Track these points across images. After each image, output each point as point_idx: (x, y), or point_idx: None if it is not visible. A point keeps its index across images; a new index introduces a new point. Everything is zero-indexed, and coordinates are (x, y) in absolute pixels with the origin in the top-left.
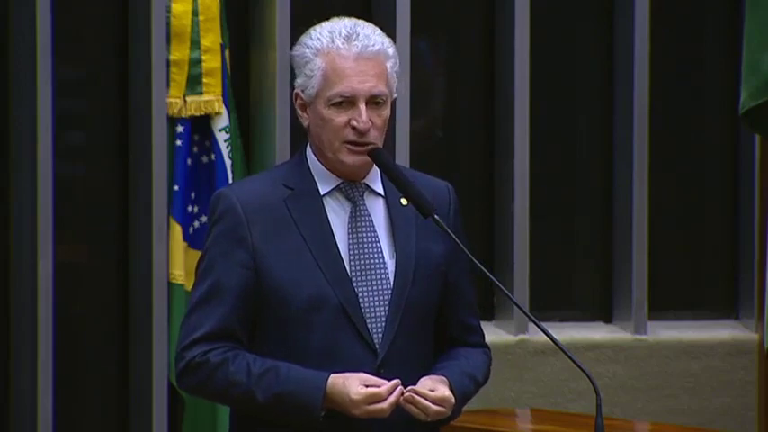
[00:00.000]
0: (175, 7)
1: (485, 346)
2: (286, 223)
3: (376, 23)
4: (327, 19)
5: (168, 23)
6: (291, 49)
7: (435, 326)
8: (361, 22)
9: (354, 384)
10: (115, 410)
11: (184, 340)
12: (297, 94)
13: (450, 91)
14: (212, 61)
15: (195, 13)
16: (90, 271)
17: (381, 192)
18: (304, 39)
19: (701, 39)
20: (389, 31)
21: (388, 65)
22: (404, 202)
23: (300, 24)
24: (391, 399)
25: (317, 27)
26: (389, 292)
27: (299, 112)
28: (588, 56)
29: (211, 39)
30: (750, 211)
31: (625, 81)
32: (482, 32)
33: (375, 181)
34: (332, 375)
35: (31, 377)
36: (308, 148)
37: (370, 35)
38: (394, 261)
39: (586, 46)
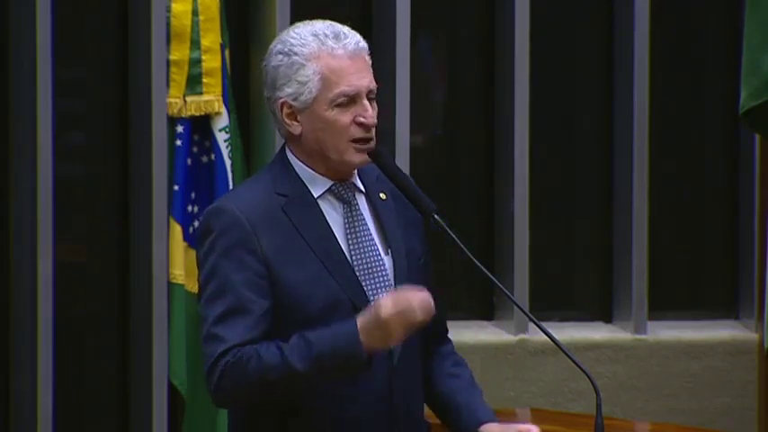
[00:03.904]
0: (175, 7)
1: (451, 343)
2: (288, 230)
3: (376, 23)
4: (328, 19)
5: (168, 23)
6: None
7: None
8: (329, 21)
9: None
10: (115, 410)
11: (214, 354)
12: (284, 104)
13: (450, 91)
14: (212, 61)
15: (195, 13)
16: (90, 271)
17: (362, 188)
18: (285, 47)
19: (701, 39)
20: (389, 31)
21: (368, 59)
22: (383, 196)
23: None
24: (420, 298)
25: (293, 33)
26: (391, 289)
27: (287, 121)
28: (588, 55)
29: (211, 39)
30: (750, 211)
31: (625, 81)
32: (482, 32)
33: (356, 178)
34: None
35: (31, 377)
36: (289, 153)
37: (352, 32)
38: (390, 257)
39: (586, 46)
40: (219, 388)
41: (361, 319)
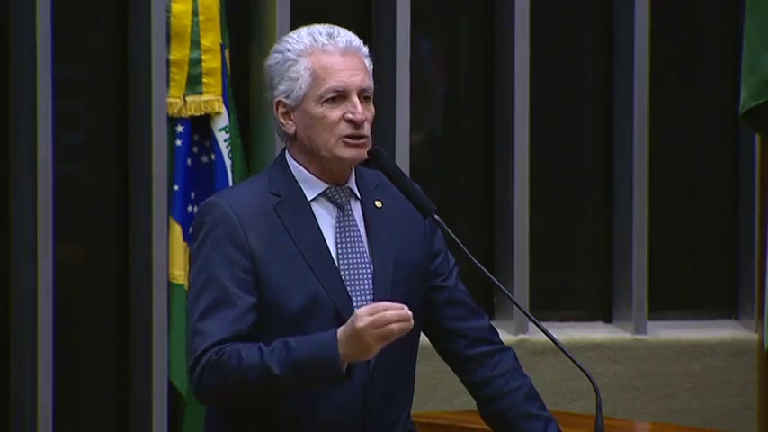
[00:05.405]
0: (175, 7)
1: (500, 340)
2: (278, 230)
3: (376, 23)
4: (328, 19)
5: (168, 23)
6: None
7: (453, 339)
8: (331, 25)
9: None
10: (115, 410)
11: (197, 350)
12: (279, 102)
13: (450, 91)
14: (212, 61)
15: (195, 13)
16: (90, 271)
17: (358, 194)
18: (281, 46)
19: (701, 39)
20: (389, 30)
21: (367, 62)
22: (378, 204)
23: (300, 24)
24: (396, 312)
25: (292, 34)
26: (371, 296)
27: (282, 120)
28: (588, 56)
29: (211, 39)
30: (750, 211)
31: (625, 81)
32: (482, 32)
33: (353, 184)
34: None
35: (31, 377)
36: (288, 155)
37: (348, 33)
38: (372, 266)
39: (586, 46)
40: (201, 384)
41: (341, 329)
